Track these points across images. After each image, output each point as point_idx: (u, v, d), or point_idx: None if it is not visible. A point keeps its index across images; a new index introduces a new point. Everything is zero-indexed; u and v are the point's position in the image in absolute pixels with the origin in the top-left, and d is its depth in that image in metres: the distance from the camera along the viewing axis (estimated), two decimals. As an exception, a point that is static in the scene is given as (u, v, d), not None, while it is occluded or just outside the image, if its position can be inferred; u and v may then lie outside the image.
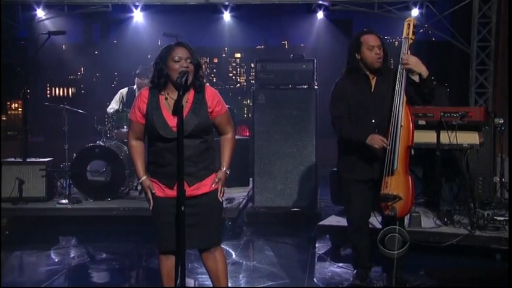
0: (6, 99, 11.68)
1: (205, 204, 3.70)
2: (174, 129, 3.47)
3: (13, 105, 12.62)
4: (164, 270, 3.80)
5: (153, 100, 3.67)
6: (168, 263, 3.73)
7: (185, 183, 3.50)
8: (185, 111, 3.57)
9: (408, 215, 5.29)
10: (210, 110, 3.69)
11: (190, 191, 3.60)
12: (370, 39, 4.35)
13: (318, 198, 7.20)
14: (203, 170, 3.69)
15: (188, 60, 3.59)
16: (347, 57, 4.47)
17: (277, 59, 7.38)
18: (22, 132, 8.18)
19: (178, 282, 3.38)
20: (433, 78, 4.36)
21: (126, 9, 9.53)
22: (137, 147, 3.80)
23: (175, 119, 3.41)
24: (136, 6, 9.45)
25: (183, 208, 3.36)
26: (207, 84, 3.80)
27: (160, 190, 3.69)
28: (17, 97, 11.19)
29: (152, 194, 3.70)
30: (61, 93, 14.15)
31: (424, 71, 4.24)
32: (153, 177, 3.72)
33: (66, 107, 7.22)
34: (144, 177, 3.73)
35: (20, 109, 10.60)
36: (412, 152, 4.59)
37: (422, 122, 5.69)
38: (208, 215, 3.72)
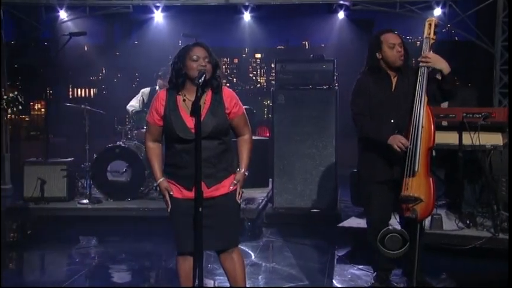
0: (29, 100, 11.80)
1: (224, 205, 3.68)
2: (193, 130, 3.46)
3: (36, 106, 12.76)
4: (182, 272, 3.78)
5: (170, 101, 3.66)
6: (186, 264, 3.71)
7: (203, 185, 3.50)
8: (203, 112, 3.57)
9: (429, 217, 5.23)
10: (227, 111, 3.67)
11: (208, 192, 3.59)
12: (391, 38, 4.31)
13: (338, 200, 7.15)
14: (222, 171, 3.67)
15: (206, 60, 3.58)
16: (367, 57, 4.43)
17: (297, 59, 7.35)
18: (44, 132, 8.25)
19: (196, 283, 3.36)
20: (456, 78, 4.29)
21: (147, 10, 9.57)
22: (154, 149, 3.79)
23: (194, 120, 3.41)
24: (157, 7, 9.48)
25: (200, 209, 3.34)
26: (226, 84, 3.79)
27: (178, 191, 3.67)
28: (40, 98, 11.31)
29: (170, 195, 3.68)
30: (83, 94, 14.27)
31: (445, 67, 4.18)
32: (171, 179, 3.70)
33: (87, 107, 7.27)
34: (161, 179, 3.72)
35: (42, 110, 10.71)
36: (434, 153, 4.55)
37: (445, 123, 5.61)
38: (226, 216, 3.70)
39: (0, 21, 8.80)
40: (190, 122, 3.53)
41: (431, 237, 5.26)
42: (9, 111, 4.01)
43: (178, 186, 3.67)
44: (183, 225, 3.63)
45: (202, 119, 3.52)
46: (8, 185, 8.84)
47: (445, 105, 6.02)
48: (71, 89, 14.15)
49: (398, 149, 4.15)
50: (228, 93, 3.73)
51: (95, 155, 7.19)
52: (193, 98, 3.46)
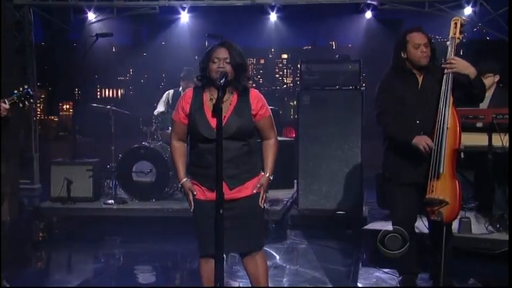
0: (58, 101, 11.96)
1: (246, 207, 3.65)
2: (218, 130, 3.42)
3: (64, 107, 12.91)
4: (204, 274, 3.76)
5: (196, 100, 3.65)
6: (208, 266, 3.66)
7: (226, 186, 3.48)
8: (228, 112, 3.56)
9: (458, 220, 5.13)
10: (253, 113, 3.64)
11: (231, 194, 3.57)
12: (416, 37, 4.23)
13: (363, 202, 7.06)
14: (245, 173, 3.64)
15: (226, 61, 3.55)
16: (392, 56, 4.36)
17: (323, 59, 7.31)
18: (69, 132, 8.34)
19: (218, 285, 3.33)
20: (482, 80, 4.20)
21: (173, 11, 9.63)
22: (179, 149, 3.77)
23: (221, 120, 3.38)
24: (183, 8, 9.51)
25: (221, 211, 3.30)
26: (252, 85, 3.75)
27: (202, 193, 3.65)
28: (68, 98, 11.44)
29: (193, 195, 3.66)
30: (110, 95, 14.40)
31: (472, 72, 4.09)
32: (194, 179, 3.68)
33: (113, 108, 7.31)
34: (184, 179, 3.70)
35: (71, 110, 10.83)
36: (462, 155, 4.45)
37: (479, 124, 5.48)
38: (249, 219, 3.66)
39: (25, 23, 8.93)
40: (214, 122, 3.48)
41: (459, 241, 5.14)
42: (20, 105, 4.03)
43: (201, 186, 3.65)
44: (206, 227, 3.59)
45: (226, 119, 3.53)
46: (37, 184, 8.97)
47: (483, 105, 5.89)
48: (98, 90, 14.29)
49: (423, 149, 4.07)
50: (255, 95, 3.70)
51: (120, 156, 7.21)
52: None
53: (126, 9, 9.37)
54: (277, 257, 5.78)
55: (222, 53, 3.57)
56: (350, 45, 12.11)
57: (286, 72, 16.59)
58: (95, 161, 7.33)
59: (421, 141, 4.09)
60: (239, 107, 3.61)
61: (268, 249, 5.94)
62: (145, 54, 12.22)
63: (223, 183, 3.41)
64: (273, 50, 15.06)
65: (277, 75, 17.34)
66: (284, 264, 5.55)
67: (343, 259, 5.76)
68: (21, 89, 4.02)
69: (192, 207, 3.68)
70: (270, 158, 3.75)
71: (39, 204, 7.48)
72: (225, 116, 3.55)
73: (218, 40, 7.29)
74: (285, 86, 17.16)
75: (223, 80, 3.44)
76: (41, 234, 6.90)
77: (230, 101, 3.62)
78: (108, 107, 7.33)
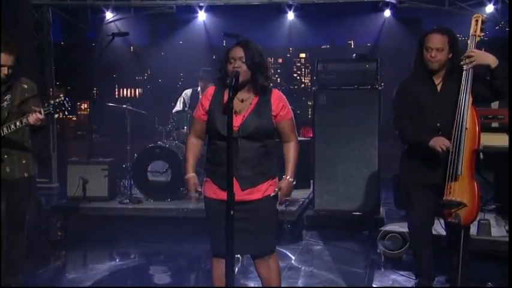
0: (76, 100, 12.04)
1: (259, 210, 3.60)
2: (235, 128, 3.41)
3: (82, 106, 12.96)
4: (216, 274, 3.74)
5: (217, 98, 3.62)
6: (220, 266, 3.60)
7: (237, 186, 3.44)
8: (247, 112, 3.54)
9: (477, 222, 5.03)
10: (274, 114, 3.59)
11: (242, 195, 3.52)
12: (430, 40, 4.13)
13: (381, 203, 6.96)
14: (259, 175, 3.59)
15: (242, 60, 3.50)
16: (414, 56, 4.28)
17: (339, 59, 7.19)
18: (87, 132, 8.37)
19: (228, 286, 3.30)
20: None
21: (190, 10, 9.62)
22: (194, 145, 3.75)
23: (237, 119, 3.39)
24: (200, 7, 9.49)
25: (232, 212, 3.24)
26: (270, 84, 3.66)
27: (213, 192, 3.62)
28: (86, 98, 11.50)
29: (198, 192, 3.67)
30: (128, 94, 14.43)
31: (492, 61, 3.99)
32: (208, 176, 3.66)
33: (129, 107, 7.31)
34: (191, 174, 3.68)
35: (88, 109, 10.89)
36: (481, 156, 4.37)
37: (494, 125, 5.38)
38: (261, 221, 3.61)
39: (43, 23, 8.98)
40: (233, 120, 3.41)
41: (478, 244, 5.05)
42: (56, 116, 4.07)
43: (213, 185, 3.62)
44: (217, 227, 3.56)
45: (245, 118, 3.51)
46: (55, 183, 9.01)
47: (495, 105, 5.78)
48: (116, 89, 14.34)
49: (440, 151, 3.99)
50: (277, 95, 3.64)
51: (135, 155, 7.21)
52: (240, 97, 3.49)
53: (143, 8, 9.38)
54: (293, 258, 5.73)
55: (238, 53, 3.53)
56: (369, 44, 11.97)
57: (304, 71, 16.49)
58: (111, 160, 7.34)
59: (439, 142, 4.01)
60: (259, 107, 3.57)
61: (283, 250, 5.93)
62: (163, 54, 12.23)
63: (235, 182, 3.37)
64: (291, 49, 14.96)
65: (295, 75, 17.24)
66: (299, 266, 5.51)
67: (359, 261, 5.69)
68: (57, 100, 4.04)
69: (192, 201, 3.62)
70: (291, 161, 3.69)
71: (55, 203, 7.50)
72: (243, 116, 3.53)
73: (234, 39, 7.32)
74: (302, 85, 17.07)
75: (233, 80, 3.38)
76: (56, 234, 6.92)
77: (251, 100, 3.58)
78: (124, 106, 7.33)
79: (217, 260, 3.69)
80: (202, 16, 9.72)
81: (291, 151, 3.71)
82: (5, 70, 4.13)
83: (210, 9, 9.58)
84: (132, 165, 7.17)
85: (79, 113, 13.43)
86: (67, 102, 4.05)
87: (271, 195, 3.59)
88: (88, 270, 5.47)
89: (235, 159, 3.38)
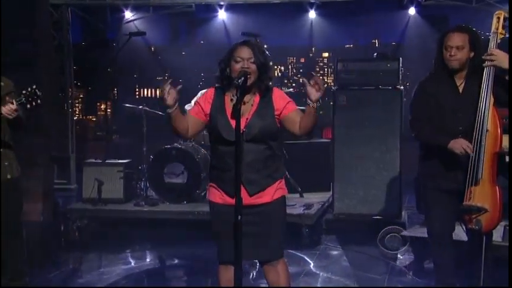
0: (96, 100, 12.04)
1: (267, 214, 3.49)
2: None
3: (102, 106, 12.95)
4: (223, 282, 3.64)
5: (217, 101, 3.52)
6: (228, 274, 3.53)
7: (245, 191, 3.34)
8: (250, 114, 3.44)
9: (502, 228, 4.83)
10: (277, 113, 3.48)
11: (250, 199, 3.43)
12: (449, 39, 3.94)
13: (402, 206, 6.74)
14: (266, 178, 3.49)
15: (251, 61, 3.41)
16: (435, 55, 4.09)
17: (360, 58, 7.06)
18: (107, 133, 8.31)
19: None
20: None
21: (210, 9, 9.51)
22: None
23: (241, 121, 3.24)
24: (220, 6, 9.38)
25: (239, 217, 3.15)
26: (276, 85, 3.59)
27: (220, 197, 3.53)
28: (106, 98, 11.46)
29: (211, 201, 3.58)
30: (149, 94, 14.37)
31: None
32: (213, 182, 3.57)
33: (145, 108, 7.21)
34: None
35: (108, 110, 10.86)
36: (507, 159, 4.18)
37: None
38: (269, 225, 3.51)
39: (63, 23, 8.97)
40: (235, 123, 3.29)
41: (503, 250, 4.81)
42: (28, 106, 3.94)
43: (219, 191, 3.52)
44: (224, 232, 3.46)
45: (248, 120, 3.40)
46: (73, 185, 8.98)
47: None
48: (137, 89, 14.31)
49: (459, 153, 3.80)
50: (277, 93, 3.54)
51: (151, 157, 7.11)
52: (241, 99, 3.32)
53: (162, 7, 9.30)
54: (310, 263, 5.61)
55: (246, 53, 3.43)
56: (393, 43, 11.72)
57: (327, 71, 16.23)
58: (126, 162, 7.24)
59: (457, 144, 3.82)
60: (261, 108, 3.47)
61: (300, 254, 5.84)
62: (184, 53, 12.18)
63: (242, 188, 3.26)
64: (313, 48, 14.75)
65: (318, 75, 16.92)
66: (316, 271, 5.39)
67: (378, 267, 5.52)
68: (29, 89, 3.93)
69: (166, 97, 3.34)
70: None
71: (70, 205, 7.46)
72: (246, 118, 3.42)
73: (253, 39, 7.19)
74: (325, 85, 16.81)
75: (242, 79, 3.30)
76: (70, 236, 6.86)
77: (252, 102, 3.48)
78: (140, 107, 7.24)
79: (224, 268, 3.60)
80: (222, 15, 9.61)
81: None
82: None
83: (230, 8, 9.46)
84: (148, 167, 7.07)
85: (99, 113, 13.47)
86: (38, 90, 3.93)
87: (274, 196, 3.50)
88: (100, 273, 5.41)
89: (240, 163, 3.24)
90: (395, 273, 5.27)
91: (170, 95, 3.35)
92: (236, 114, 3.19)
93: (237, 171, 3.14)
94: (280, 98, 3.51)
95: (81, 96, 13.35)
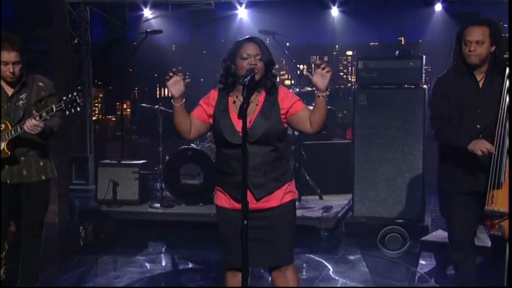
0: (116, 100, 11.99)
1: (275, 218, 3.34)
2: (241, 134, 3.11)
3: (122, 106, 12.86)
4: (230, 288, 3.48)
5: (221, 103, 3.37)
6: (235, 281, 3.41)
7: (251, 196, 3.21)
8: (254, 114, 3.27)
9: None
10: (283, 112, 3.31)
11: (257, 204, 3.28)
12: (469, 33, 3.73)
13: (425, 210, 6.50)
14: (273, 181, 3.32)
15: (258, 57, 3.26)
16: (453, 51, 3.89)
17: (381, 56, 6.79)
18: (129, 133, 8.23)
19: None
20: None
21: (230, 6, 9.34)
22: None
23: (246, 122, 3.08)
24: (240, 3, 9.22)
25: (245, 222, 3.03)
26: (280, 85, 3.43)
27: (226, 200, 3.41)
28: (126, 98, 11.41)
29: (217, 205, 3.48)
30: (169, 94, 14.27)
31: None
32: (219, 186, 3.45)
33: (161, 108, 7.09)
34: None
35: (128, 110, 10.81)
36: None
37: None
38: (277, 230, 3.35)
39: (81, 21, 8.92)
40: (239, 125, 3.16)
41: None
42: (67, 112, 3.90)
43: (226, 195, 3.41)
44: (231, 238, 3.35)
45: (252, 121, 3.24)
46: (92, 185, 8.92)
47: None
48: (157, 89, 14.23)
49: (481, 153, 3.59)
50: (283, 92, 3.37)
51: (167, 157, 7.00)
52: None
53: (181, 5, 9.17)
54: (328, 267, 5.43)
55: (253, 49, 3.28)
56: (420, 41, 11.43)
57: (351, 70, 15.93)
58: (141, 162, 7.15)
59: (479, 146, 3.61)
60: (266, 108, 3.30)
61: (319, 258, 5.68)
62: (205, 52, 12.06)
63: (249, 192, 3.14)
64: (337, 46, 14.48)
65: (341, 73, 16.72)
66: (333, 276, 5.20)
67: (397, 273, 5.30)
68: (70, 95, 3.88)
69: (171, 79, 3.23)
70: None
71: (84, 206, 7.39)
72: (251, 119, 3.25)
73: (270, 36, 7.03)
74: (349, 84, 16.57)
75: (249, 78, 3.14)
76: (84, 238, 6.79)
77: (257, 101, 3.32)
78: (156, 106, 7.13)
79: (232, 274, 3.46)
80: (242, 12, 9.43)
81: None
82: (10, 68, 3.97)
83: (251, 5, 9.26)
84: (164, 168, 6.95)
85: (118, 113, 13.39)
86: (79, 98, 3.88)
87: (283, 200, 3.33)
88: (114, 275, 5.31)
89: (246, 167, 3.10)
90: (416, 280, 5.06)
91: (176, 85, 3.24)
92: (243, 114, 3.05)
93: (243, 174, 3.01)
94: (286, 97, 3.34)
95: (101, 95, 13.33)
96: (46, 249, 4.43)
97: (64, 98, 3.87)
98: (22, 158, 4.09)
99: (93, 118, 9.88)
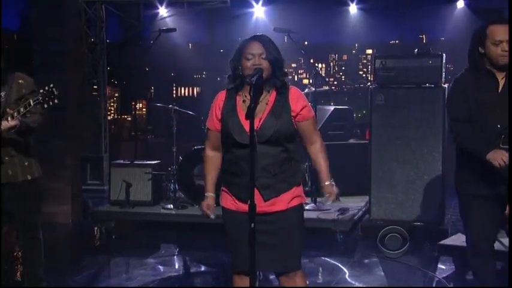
0: (132, 100, 11.93)
1: (283, 222, 3.24)
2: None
3: (138, 106, 12.82)
4: (238, 296, 3.38)
5: (229, 103, 3.30)
6: (242, 284, 3.33)
7: (259, 197, 3.14)
8: (264, 114, 3.19)
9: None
10: (293, 114, 3.23)
11: (264, 206, 3.19)
12: (498, 32, 3.55)
13: (444, 212, 6.31)
14: (281, 182, 3.23)
15: (262, 56, 3.18)
16: (468, 51, 3.73)
17: (399, 55, 6.59)
18: (145, 133, 8.16)
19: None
20: None
21: (246, 4, 9.22)
22: (213, 159, 3.47)
23: (254, 122, 3.04)
24: (256, 1, 9.09)
25: (252, 225, 2.98)
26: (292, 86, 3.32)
27: (232, 202, 3.32)
28: (142, 97, 11.40)
29: (223, 207, 3.43)
30: (186, 93, 14.21)
31: None
32: (226, 187, 3.38)
33: (175, 107, 6.99)
34: (210, 194, 3.46)
35: (144, 109, 10.75)
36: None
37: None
38: (285, 234, 3.26)
39: (97, 20, 8.86)
40: (248, 125, 3.09)
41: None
42: (45, 106, 3.80)
43: (232, 196, 3.32)
44: (239, 241, 3.27)
45: (262, 121, 3.17)
46: (106, 185, 8.86)
47: None
48: (174, 88, 14.15)
49: (498, 166, 3.43)
50: (295, 93, 3.28)
51: (180, 158, 6.90)
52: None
53: (195, 3, 9.07)
54: (344, 270, 5.30)
55: (257, 48, 3.20)
56: (442, 39, 11.16)
57: (371, 69, 15.70)
58: (155, 163, 7.06)
59: (497, 157, 3.45)
60: (276, 108, 3.21)
61: (334, 262, 5.56)
62: (222, 51, 11.96)
63: (257, 192, 3.09)
64: (356, 45, 14.25)
65: (360, 72, 16.43)
66: (349, 280, 5.06)
67: (415, 277, 5.17)
68: (46, 87, 3.79)
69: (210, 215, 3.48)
70: (323, 163, 3.37)
71: (97, 207, 7.33)
72: (260, 118, 3.18)
73: (285, 35, 6.89)
74: (368, 84, 16.34)
75: (256, 77, 3.07)
76: (96, 238, 6.74)
77: (266, 100, 3.23)
78: (170, 106, 7.03)
79: (239, 278, 3.38)
80: (259, 10, 9.30)
81: (320, 153, 3.38)
82: None
83: (267, 3, 9.14)
84: (178, 168, 6.85)
85: (133, 112, 13.34)
86: (56, 89, 3.78)
87: (290, 204, 3.25)
88: (126, 277, 5.27)
89: (254, 167, 3.05)
90: (434, 285, 4.91)
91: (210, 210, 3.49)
92: (250, 114, 2.99)
93: (251, 174, 2.97)
94: (298, 99, 3.26)
95: (116, 95, 13.30)
96: (58, 250, 4.38)
97: (41, 90, 3.79)
98: (6, 158, 4.04)
99: (109, 118, 9.84)
